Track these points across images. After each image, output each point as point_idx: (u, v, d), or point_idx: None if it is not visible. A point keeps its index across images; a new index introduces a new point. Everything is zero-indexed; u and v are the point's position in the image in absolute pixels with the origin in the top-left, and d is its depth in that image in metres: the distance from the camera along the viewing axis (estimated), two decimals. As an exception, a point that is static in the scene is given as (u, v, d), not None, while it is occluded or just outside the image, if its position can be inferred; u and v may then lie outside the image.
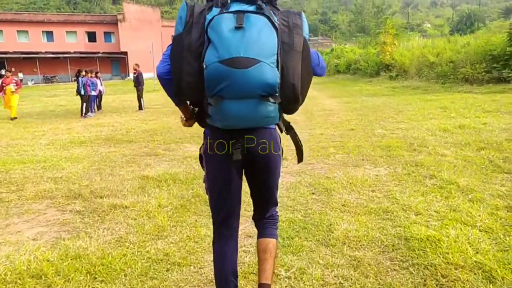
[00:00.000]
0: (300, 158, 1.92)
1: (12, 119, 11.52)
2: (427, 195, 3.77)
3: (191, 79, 1.47)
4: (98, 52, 44.63)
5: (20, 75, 41.72)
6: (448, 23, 73.94)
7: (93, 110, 13.34)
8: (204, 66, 1.43)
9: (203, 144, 1.78)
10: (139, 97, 13.83)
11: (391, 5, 71.43)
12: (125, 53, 43.47)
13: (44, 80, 42.74)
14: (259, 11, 1.47)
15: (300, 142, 1.90)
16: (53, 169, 5.37)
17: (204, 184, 1.90)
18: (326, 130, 8.25)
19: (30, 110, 15.09)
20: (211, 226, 1.93)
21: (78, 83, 12.47)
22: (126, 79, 41.52)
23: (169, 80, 1.58)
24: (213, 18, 1.45)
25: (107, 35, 46.28)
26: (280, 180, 1.92)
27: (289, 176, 4.76)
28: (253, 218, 2.00)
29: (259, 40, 1.42)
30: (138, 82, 13.83)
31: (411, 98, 14.23)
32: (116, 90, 26.61)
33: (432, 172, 4.47)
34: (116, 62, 46.60)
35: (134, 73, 14.17)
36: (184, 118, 1.82)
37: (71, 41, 44.75)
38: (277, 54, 1.45)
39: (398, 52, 25.31)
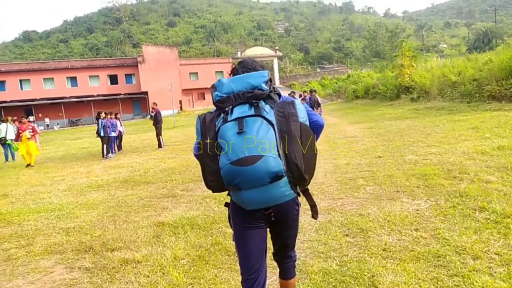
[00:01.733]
0: (315, 215, 2.05)
1: (27, 165, 11.41)
2: (482, 233, 3.24)
3: (213, 178, 1.75)
4: (120, 94, 46.00)
5: (47, 120, 43.36)
6: (465, 42, 73.14)
7: (113, 151, 13.32)
8: (220, 167, 1.70)
9: (229, 206, 2.00)
10: (158, 135, 13.78)
11: (405, 28, 71.53)
12: (146, 92, 44.61)
13: (69, 124, 44.12)
14: (256, 113, 1.71)
15: (314, 201, 2.05)
16: (67, 218, 5.10)
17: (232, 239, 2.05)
18: (352, 159, 7.78)
19: (53, 154, 15.25)
20: (233, 282, 1.86)
21: (98, 125, 12.54)
22: (147, 117, 42.35)
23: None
24: (219, 128, 1.73)
25: (128, 76, 47.83)
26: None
27: (317, 215, 4.30)
28: (274, 258, 2.17)
29: (259, 138, 1.65)
30: (157, 121, 13.83)
31: (437, 120, 13.62)
32: (137, 130, 26.98)
33: (481, 204, 3.93)
34: (137, 102, 47.83)
35: (153, 112, 14.20)
36: None
37: (94, 84, 46.41)
38: (277, 143, 1.68)
39: (417, 73, 24.84)
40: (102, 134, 12.23)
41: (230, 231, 3.89)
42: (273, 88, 1.87)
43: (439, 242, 3.18)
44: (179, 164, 9.11)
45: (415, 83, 23.92)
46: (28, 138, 11.56)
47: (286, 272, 2.13)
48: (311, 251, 3.30)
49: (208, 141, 1.75)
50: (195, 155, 1.87)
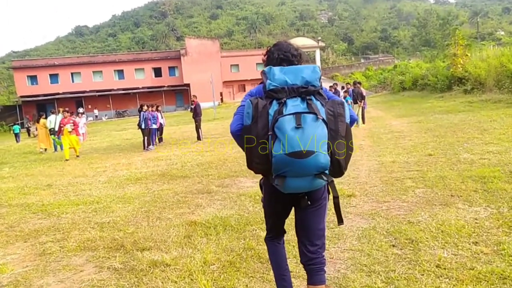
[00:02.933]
0: (339, 220, 2.03)
1: (66, 160, 11.30)
2: (558, 251, 2.75)
3: (259, 161, 1.84)
4: (164, 86, 47.18)
5: (96, 111, 45.45)
6: (526, 28, 67.35)
7: (154, 143, 13.53)
8: (272, 155, 1.78)
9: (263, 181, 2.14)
10: (197, 127, 13.81)
11: (458, 15, 67.05)
12: (188, 85, 45.40)
13: (116, 115, 45.98)
14: (311, 110, 1.80)
15: (337, 192, 1.98)
16: (103, 212, 5.11)
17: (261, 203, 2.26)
18: (398, 156, 7.25)
19: (98, 145, 15.82)
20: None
21: (139, 117, 12.76)
22: (188, 109, 43.15)
23: (240, 136, 1.97)
24: (277, 119, 1.79)
25: (171, 69, 48.89)
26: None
27: (359, 219, 3.95)
28: (301, 262, 2.15)
29: (315, 135, 1.75)
30: (196, 113, 13.86)
31: (494, 114, 12.50)
32: (178, 121, 27.46)
33: (555, 215, 3.39)
34: (180, 94, 48.83)
35: (192, 104, 14.24)
36: None
37: (140, 77, 47.94)
38: (328, 141, 1.80)
39: (472, 63, 23.09)
40: (143, 126, 12.43)
41: (263, 234, 3.64)
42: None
43: (504, 260, 2.74)
44: (216, 158, 9.00)
45: (469, 73, 22.26)
46: (69, 132, 11.67)
47: (317, 273, 2.06)
48: (352, 263, 2.97)
49: (259, 126, 1.83)
50: (235, 135, 2.00)
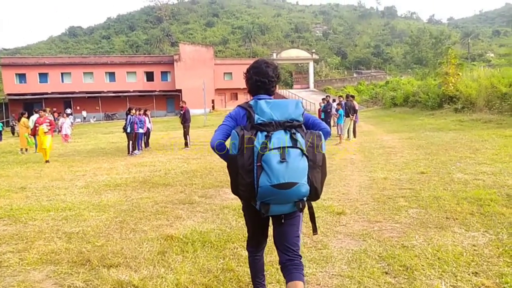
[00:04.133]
0: (314, 229, 2.18)
1: (46, 161, 10.63)
2: None
3: (244, 189, 1.98)
4: (155, 91, 46.70)
5: (84, 113, 44.70)
6: (515, 52, 68.72)
7: (140, 148, 13.14)
8: (259, 185, 1.91)
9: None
10: (185, 134, 13.47)
11: (450, 35, 68.11)
12: (180, 90, 44.98)
13: (105, 118, 45.23)
14: (294, 144, 1.95)
15: (314, 215, 2.17)
16: (74, 220, 4.73)
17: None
18: (390, 173, 7.02)
19: (82, 147, 15.33)
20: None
21: (126, 120, 12.37)
22: (178, 115, 42.78)
23: (221, 152, 2.16)
24: (264, 153, 1.91)
25: (164, 74, 48.47)
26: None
27: (349, 240, 3.66)
28: (279, 263, 2.21)
29: (297, 168, 1.91)
30: (185, 119, 13.52)
31: (485, 134, 12.44)
32: (168, 127, 27.04)
33: (559, 245, 3.15)
34: (171, 99, 48.36)
35: (181, 110, 13.91)
36: None
37: (131, 80, 47.37)
38: (308, 171, 1.96)
39: (463, 83, 23.27)
40: (128, 130, 12.05)
41: (245, 254, 3.33)
42: None
43: (509, 296, 2.47)
44: (202, 167, 8.66)
45: (460, 92, 22.40)
46: (45, 132, 10.83)
47: (295, 270, 2.13)
48: (341, 291, 2.67)
49: (245, 157, 1.95)
50: (215, 150, 2.16)
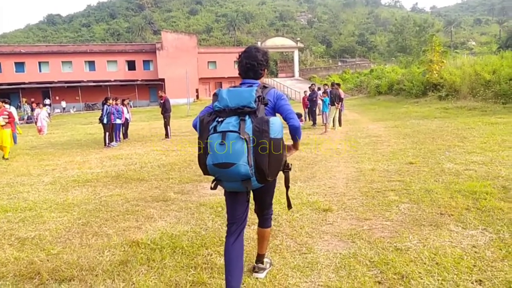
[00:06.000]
0: (288, 205, 2.55)
1: (4, 159, 9.46)
2: None
3: (203, 166, 2.29)
4: (137, 80, 45.50)
5: (63, 103, 43.27)
6: (496, 40, 69.56)
7: (118, 139, 12.54)
8: (207, 164, 2.23)
9: None
10: (166, 124, 12.90)
11: (433, 24, 68.33)
12: (163, 80, 43.93)
13: (85, 108, 43.90)
14: (238, 129, 2.14)
15: (288, 187, 2.51)
16: (32, 222, 4.24)
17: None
18: (378, 163, 6.70)
19: (57, 139, 14.60)
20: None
21: (102, 111, 11.73)
22: (159, 105, 41.82)
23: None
24: (209, 135, 2.20)
25: (146, 63, 47.22)
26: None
27: (336, 242, 3.30)
28: (255, 212, 2.72)
29: (234, 150, 2.11)
30: (165, 109, 12.94)
31: (471, 121, 12.31)
32: (150, 117, 26.31)
33: None
34: (154, 88, 47.15)
35: (161, 100, 13.32)
36: None
37: (112, 70, 46.00)
38: (247, 155, 2.13)
39: (447, 70, 23.20)
40: (105, 121, 11.43)
41: (219, 262, 2.93)
42: (261, 93, 2.33)
43: (521, 310, 2.14)
44: (182, 159, 8.19)
45: (444, 80, 22.34)
46: (2, 126, 9.64)
47: (263, 222, 2.68)
48: (328, 307, 2.30)
49: (204, 141, 2.22)
50: (193, 126, 2.43)
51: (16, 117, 13.99)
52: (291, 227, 3.72)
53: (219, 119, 2.20)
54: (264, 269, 2.75)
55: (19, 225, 4.16)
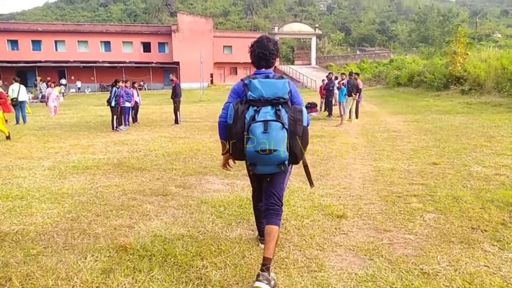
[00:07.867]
0: (310, 183, 2.79)
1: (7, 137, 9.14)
2: None
3: (237, 150, 2.48)
4: (152, 62, 45.17)
5: (78, 83, 43.36)
6: (523, 33, 66.69)
7: (127, 123, 12.25)
8: (246, 150, 2.38)
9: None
10: (176, 109, 12.51)
11: (458, 13, 65.85)
12: (177, 63, 43.50)
13: (100, 89, 43.86)
14: (277, 119, 2.35)
15: (309, 171, 2.74)
16: (19, 214, 3.92)
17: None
18: (397, 162, 6.19)
19: (67, 120, 14.41)
20: None
21: (110, 93, 11.40)
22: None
23: (223, 126, 2.61)
24: (251, 124, 2.36)
25: (161, 45, 46.77)
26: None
27: (351, 258, 2.86)
28: (263, 207, 2.71)
29: (277, 138, 2.31)
30: (175, 94, 12.52)
31: (496, 118, 11.57)
32: (162, 100, 25.99)
33: None
34: (169, 71, 46.78)
35: (172, 84, 12.91)
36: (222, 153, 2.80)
37: (127, 51, 45.72)
38: (287, 141, 2.37)
39: (471, 63, 22.13)
40: (113, 104, 11.10)
41: (215, 278, 2.53)
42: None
43: None
44: (188, 148, 7.81)
45: (468, 73, 21.32)
46: None
47: (270, 217, 2.56)
48: None
49: (238, 126, 2.41)
50: (219, 125, 2.68)
51: (25, 97, 13.79)
52: (300, 235, 3.29)
53: (256, 108, 2.38)
54: (269, 280, 2.33)
55: (5, 216, 3.84)
